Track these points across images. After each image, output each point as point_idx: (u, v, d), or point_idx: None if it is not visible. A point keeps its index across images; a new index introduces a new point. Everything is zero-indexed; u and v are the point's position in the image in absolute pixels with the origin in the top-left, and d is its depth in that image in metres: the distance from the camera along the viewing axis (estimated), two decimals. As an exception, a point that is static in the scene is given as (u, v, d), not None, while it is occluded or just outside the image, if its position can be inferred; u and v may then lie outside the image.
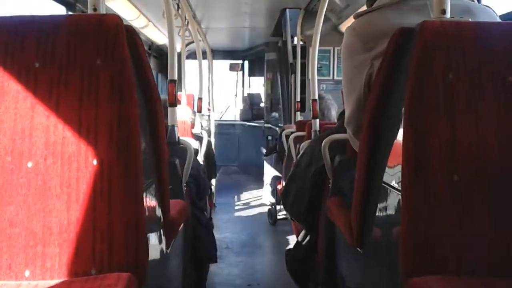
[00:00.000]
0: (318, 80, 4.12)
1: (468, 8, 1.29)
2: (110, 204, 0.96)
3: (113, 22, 0.98)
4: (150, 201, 1.19)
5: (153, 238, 1.21)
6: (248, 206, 5.54)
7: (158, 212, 1.29)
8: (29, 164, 0.96)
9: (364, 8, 1.47)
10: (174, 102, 2.17)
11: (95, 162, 0.96)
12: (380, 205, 1.20)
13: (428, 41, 0.94)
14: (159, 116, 1.22)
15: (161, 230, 1.33)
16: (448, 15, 1.02)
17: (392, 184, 1.09)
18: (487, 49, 0.97)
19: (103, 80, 0.96)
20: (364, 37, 1.31)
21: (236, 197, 6.02)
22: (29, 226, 0.96)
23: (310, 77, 3.16)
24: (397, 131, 1.04)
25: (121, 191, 0.97)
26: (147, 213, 1.09)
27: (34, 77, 0.97)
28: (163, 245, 1.36)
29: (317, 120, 3.05)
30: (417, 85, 0.94)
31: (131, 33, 1.06)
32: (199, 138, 3.54)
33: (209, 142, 4.18)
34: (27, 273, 0.95)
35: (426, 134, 0.93)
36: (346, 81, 1.44)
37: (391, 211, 1.11)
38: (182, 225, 1.70)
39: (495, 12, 1.35)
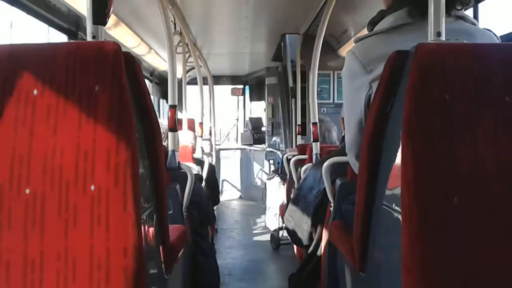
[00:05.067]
0: (319, 103, 4.15)
1: (468, 31, 1.30)
2: (108, 230, 0.95)
3: (112, 49, 0.99)
4: (149, 227, 1.18)
5: (152, 264, 1.20)
6: (250, 231, 5.50)
7: (158, 238, 1.27)
8: (27, 191, 0.96)
9: (364, 32, 1.49)
10: (175, 127, 2.18)
11: (92, 187, 0.96)
12: (381, 228, 1.19)
13: (424, 63, 0.95)
14: (158, 141, 1.22)
15: (161, 256, 1.31)
16: (443, 38, 1.03)
17: (392, 206, 1.08)
18: (484, 70, 0.98)
19: (101, 106, 0.97)
20: (363, 61, 1.33)
21: (238, 222, 5.98)
22: (26, 253, 0.96)
23: (310, 100, 3.18)
24: (396, 153, 1.04)
25: (119, 217, 0.96)
26: (146, 239, 1.08)
27: (32, 103, 0.98)
28: (163, 271, 1.34)
29: (318, 143, 3.05)
30: (414, 107, 0.94)
31: (130, 59, 1.07)
32: (200, 163, 3.54)
33: (212, 167, 4.17)
34: (24, 301, 0.94)
35: (424, 156, 0.92)
36: (347, 104, 1.46)
37: (392, 234, 1.09)
38: (182, 251, 1.68)
39: (496, 35, 1.36)
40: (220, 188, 7.48)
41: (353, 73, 1.37)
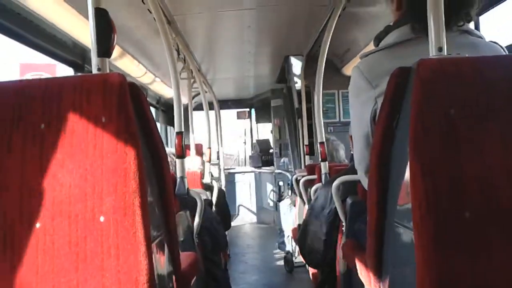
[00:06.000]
0: (325, 123, 4.15)
1: (473, 44, 1.31)
2: (118, 261, 0.95)
3: (117, 80, 1.00)
4: (160, 256, 1.18)
5: (164, 293, 1.19)
6: (263, 254, 5.44)
7: (169, 266, 1.27)
8: (37, 225, 0.96)
9: (369, 48, 1.50)
10: (182, 154, 2.19)
11: (102, 219, 0.96)
12: (394, 245, 1.17)
13: (426, 79, 0.95)
14: (165, 169, 1.23)
15: (173, 285, 1.30)
16: (445, 52, 1.03)
17: (404, 223, 1.07)
18: (487, 82, 0.97)
19: (108, 137, 0.98)
20: (368, 76, 1.34)
21: (250, 246, 5.93)
22: (38, 287, 0.95)
23: (316, 120, 3.19)
24: (405, 169, 1.03)
25: (129, 247, 0.96)
26: (157, 268, 1.07)
27: (40, 137, 0.99)
28: (175, 300, 1.33)
29: (326, 163, 3.04)
30: (419, 123, 0.94)
31: (135, 89, 1.08)
32: (210, 188, 3.54)
33: (221, 191, 4.16)
34: (37, 336, 0.93)
35: (433, 171, 0.92)
36: (354, 120, 1.47)
37: (406, 251, 1.08)
38: (194, 278, 1.66)
39: (502, 48, 1.36)
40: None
41: (358, 88, 1.38)
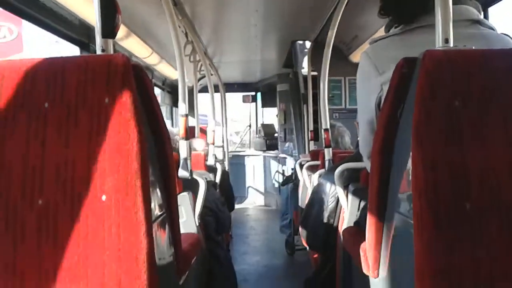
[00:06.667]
0: (331, 109, 4.13)
1: (484, 36, 1.29)
2: (119, 240, 0.96)
3: (121, 61, 1.00)
4: (161, 235, 1.19)
5: (164, 272, 1.20)
6: (265, 236, 5.49)
7: (170, 246, 1.28)
8: (40, 202, 0.98)
9: (378, 35, 1.49)
10: (186, 135, 2.19)
11: (104, 197, 0.97)
12: (394, 234, 1.18)
13: (432, 70, 0.95)
14: (168, 149, 1.24)
15: (174, 264, 1.32)
16: (451, 44, 1.02)
17: (404, 212, 1.08)
18: (493, 75, 0.97)
19: (111, 118, 0.98)
20: (376, 62, 1.34)
21: (253, 227, 5.98)
22: (40, 263, 0.97)
23: (321, 106, 3.18)
24: (407, 159, 1.03)
25: (130, 226, 0.97)
26: (157, 247, 1.09)
27: (44, 116, 0.99)
28: (175, 279, 1.35)
29: (330, 149, 3.05)
30: (423, 114, 0.94)
31: (138, 70, 1.08)
32: (213, 170, 3.56)
33: (225, 173, 4.18)
34: (38, 310, 0.95)
35: (434, 162, 0.92)
36: (359, 104, 1.47)
37: (405, 240, 1.09)
38: (195, 258, 1.68)
39: None
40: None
41: (365, 73, 1.38)
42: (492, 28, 1.33)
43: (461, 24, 1.29)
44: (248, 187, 7.79)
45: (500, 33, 1.35)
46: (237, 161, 7.63)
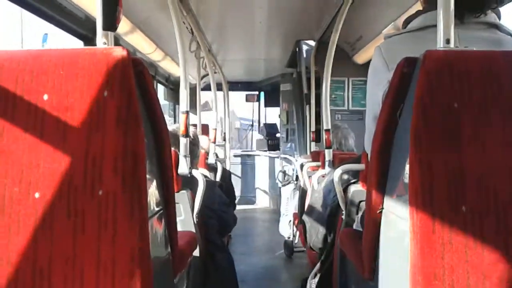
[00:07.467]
0: (333, 110, 4.11)
1: (499, 41, 1.28)
2: (115, 235, 0.96)
3: (121, 55, 1.00)
4: (157, 232, 1.19)
5: (160, 269, 1.20)
6: (264, 237, 5.48)
7: (166, 243, 1.28)
8: (36, 195, 0.97)
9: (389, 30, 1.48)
10: (187, 132, 2.19)
11: (100, 192, 0.97)
12: (390, 237, 1.18)
13: (432, 70, 0.94)
14: (166, 146, 1.23)
15: (169, 262, 1.32)
16: (452, 45, 1.02)
17: (400, 215, 1.07)
18: (493, 77, 0.96)
19: (109, 112, 0.98)
20: (386, 57, 1.34)
21: (252, 228, 5.97)
22: (35, 256, 0.97)
23: (323, 107, 3.17)
24: (405, 161, 1.03)
25: (126, 222, 0.97)
26: (153, 244, 1.08)
27: (42, 108, 0.99)
28: (171, 276, 1.35)
29: (331, 150, 3.04)
30: (422, 114, 0.93)
31: (139, 65, 1.08)
32: (214, 169, 3.55)
33: (227, 172, 4.17)
34: (32, 303, 0.95)
35: (432, 163, 0.91)
36: (368, 99, 1.47)
37: (401, 242, 1.08)
38: (192, 256, 1.68)
39: None
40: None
41: (376, 68, 1.38)
42: (510, 34, 1.32)
43: (476, 26, 1.28)
44: (256, 188, 7.76)
45: None
46: (245, 161, 7.61)
